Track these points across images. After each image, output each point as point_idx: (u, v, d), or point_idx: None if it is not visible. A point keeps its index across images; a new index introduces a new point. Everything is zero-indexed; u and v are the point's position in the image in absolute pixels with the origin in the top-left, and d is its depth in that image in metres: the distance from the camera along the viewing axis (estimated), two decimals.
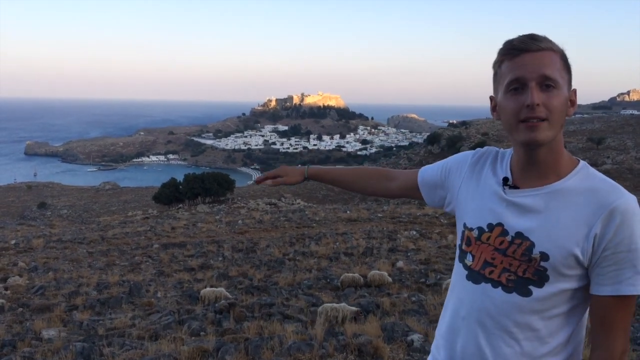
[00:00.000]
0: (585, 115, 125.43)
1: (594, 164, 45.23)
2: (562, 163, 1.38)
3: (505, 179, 1.44)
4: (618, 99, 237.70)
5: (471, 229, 1.48)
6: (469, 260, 1.47)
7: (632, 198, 1.30)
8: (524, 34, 1.36)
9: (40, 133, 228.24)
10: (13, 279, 11.01)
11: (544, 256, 1.33)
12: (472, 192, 1.52)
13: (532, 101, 1.29)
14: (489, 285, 1.41)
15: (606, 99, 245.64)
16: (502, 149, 1.57)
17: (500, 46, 1.38)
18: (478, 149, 1.61)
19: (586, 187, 1.34)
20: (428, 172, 1.71)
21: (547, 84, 1.30)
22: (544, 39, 1.34)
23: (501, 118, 1.40)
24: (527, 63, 1.31)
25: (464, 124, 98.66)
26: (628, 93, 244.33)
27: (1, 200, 69.16)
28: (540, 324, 1.36)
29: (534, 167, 1.39)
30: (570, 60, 1.38)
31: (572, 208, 1.33)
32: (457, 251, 1.56)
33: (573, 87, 1.38)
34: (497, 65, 1.39)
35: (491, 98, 1.46)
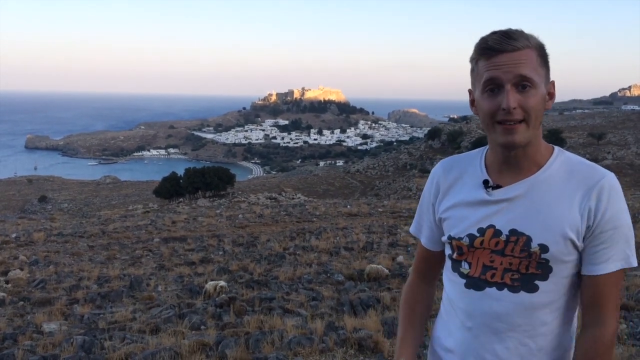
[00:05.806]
0: (586, 111, 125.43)
1: (594, 160, 45.16)
2: (540, 153, 1.38)
3: (486, 181, 1.41)
4: (619, 94, 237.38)
5: (460, 238, 1.42)
6: (465, 268, 1.43)
7: (612, 175, 1.34)
8: (499, 31, 1.31)
9: (43, 126, 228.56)
10: (14, 272, 11.03)
11: (544, 248, 1.31)
12: (451, 204, 1.48)
13: (507, 105, 1.27)
14: (494, 289, 1.37)
15: (607, 94, 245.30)
16: (466, 152, 1.55)
17: (476, 41, 1.34)
18: (441, 162, 1.56)
19: (568, 171, 1.35)
20: (428, 231, 1.58)
21: (523, 84, 1.28)
22: (519, 36, 1.29)
23: (479, 115, 1.38)
24: (503, 64, 1.28)
25: (464, 118, 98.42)
26: (629, 88, 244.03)
27: (2, 193, 69.28)
28: (550, 316, 1.36)
29: (513, 164, 1.38)
30: (548, 51, 1.34)
31: (559, 194, 1.34)
32: (447, 262, 1.50)
33: (552, 79, 1.36)
34: (474, 61, 1.35)
35: (470, 92, 1.43)
